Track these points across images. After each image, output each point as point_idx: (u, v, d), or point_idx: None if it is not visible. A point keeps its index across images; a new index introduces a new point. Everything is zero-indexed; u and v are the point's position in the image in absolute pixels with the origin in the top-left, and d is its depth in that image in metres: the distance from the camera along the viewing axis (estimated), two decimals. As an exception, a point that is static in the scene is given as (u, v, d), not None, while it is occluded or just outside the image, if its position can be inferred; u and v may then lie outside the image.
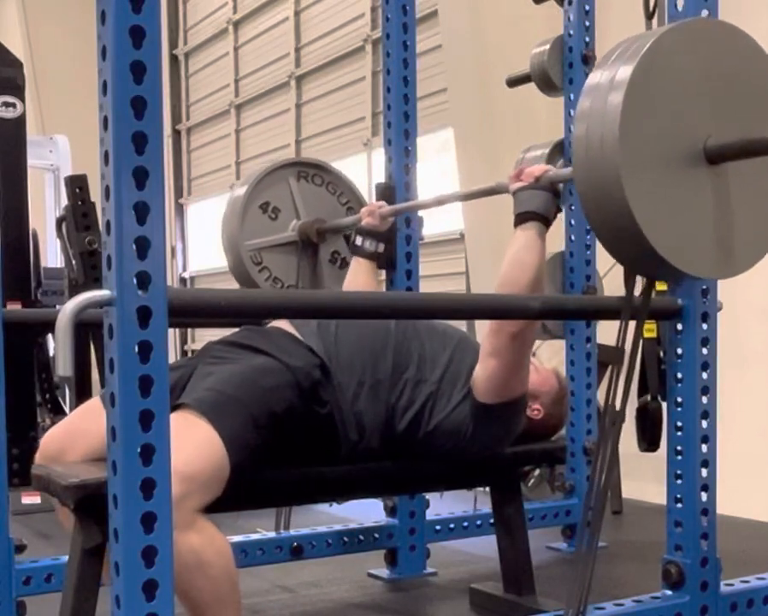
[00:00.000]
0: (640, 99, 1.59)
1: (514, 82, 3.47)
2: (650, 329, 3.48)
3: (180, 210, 9.89)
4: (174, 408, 1.96)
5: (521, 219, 2.20)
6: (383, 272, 3.02)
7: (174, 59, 9.79)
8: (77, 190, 3.99)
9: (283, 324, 2.27)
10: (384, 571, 3.02)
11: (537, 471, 3.98)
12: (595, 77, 1.65)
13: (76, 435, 2.10)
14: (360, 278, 2.76)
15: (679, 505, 2.22)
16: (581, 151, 1.63)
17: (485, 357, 2.24)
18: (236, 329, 2.37)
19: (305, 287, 3.01)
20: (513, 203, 2.21)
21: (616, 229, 1.64)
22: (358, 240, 2.80)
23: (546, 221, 2.19)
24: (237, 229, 2.98)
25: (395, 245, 2.96)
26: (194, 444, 1.86)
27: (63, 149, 7.22)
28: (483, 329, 2.29)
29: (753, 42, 1.76)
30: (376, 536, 3.01)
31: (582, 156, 1.63)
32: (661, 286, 2.37)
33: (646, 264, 1.74)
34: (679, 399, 2.21)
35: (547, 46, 3.28)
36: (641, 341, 2.42)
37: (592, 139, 1.60)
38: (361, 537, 3.00)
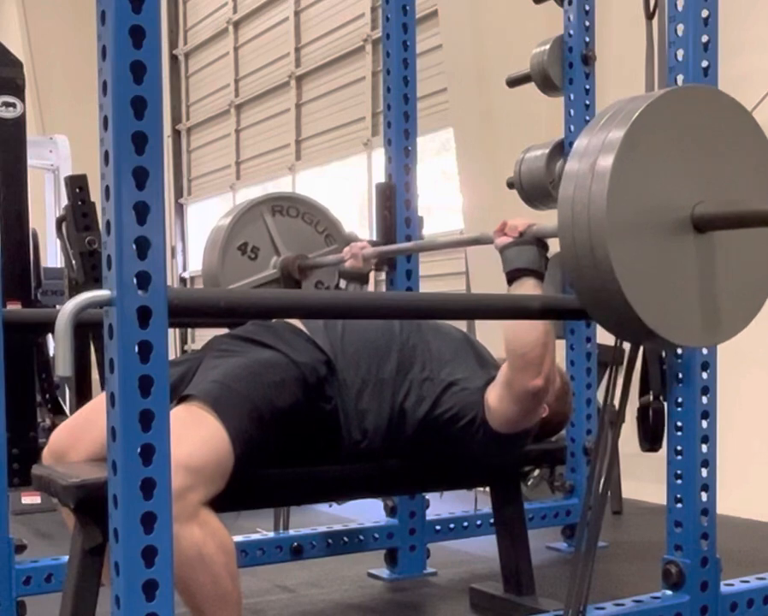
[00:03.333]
0: (629, 164, 1.55)
1: (514, 82, 3.47)
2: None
3: (180, 210, 9.90)
4: (180, 400, 1.97)
5: (512, 276, 2.18)
6: (383, 272, 3.02)
7: (174, 59, 9.79)
8: (77, 190, 3.97)
9: (290, 319, 2.26)
10: (384, 571, 3.02)
11: (537, 471, 3.97)
12: (585, 139, 1.60)
13: (83, 431, 2.09)
14: None
15: (679, 505, 2.22)
16: (566, 212, 1.58)
17: (504, 398, 2.17)
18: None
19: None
20: (501, 260, 2.19)
21: (600, 295, 1.60)
22: (342, 284, 2.79)
23: (538, 275, 2.18)
24: (218, 271, 2.99)
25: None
26: (199, 436, 1.86)
27: (63, 149, 7.22)
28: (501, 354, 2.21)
29: (744, 110, 1.72)
30: (376, 536, 3.01)
31: (568, 217, 1.58)
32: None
33: (631, 332, 1.70)
34: (679, 399, 2.22)
35: (547, 46, 3.28)
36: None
37: (579, 200, 1.56)
38: (361, 537, 3.00)
